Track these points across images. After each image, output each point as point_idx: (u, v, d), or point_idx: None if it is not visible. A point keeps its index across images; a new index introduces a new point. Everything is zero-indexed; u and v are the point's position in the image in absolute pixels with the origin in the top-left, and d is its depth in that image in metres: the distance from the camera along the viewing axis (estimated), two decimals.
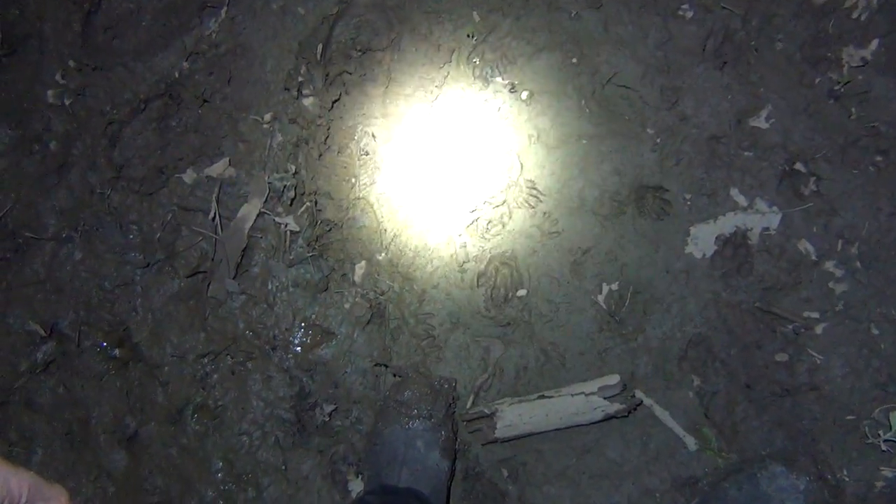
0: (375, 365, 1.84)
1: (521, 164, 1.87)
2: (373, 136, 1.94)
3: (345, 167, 1.95)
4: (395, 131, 1.93)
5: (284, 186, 1.88)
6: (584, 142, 1.89)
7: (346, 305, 1.93)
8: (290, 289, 1.90)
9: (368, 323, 1.90)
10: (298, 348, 1.89)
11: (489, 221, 1.87)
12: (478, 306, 1.86)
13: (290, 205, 1.89)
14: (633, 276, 1.82)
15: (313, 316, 1.91)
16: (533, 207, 1.86)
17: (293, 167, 1.92)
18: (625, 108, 1.94)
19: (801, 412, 1.70)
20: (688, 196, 1.85)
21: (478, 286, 1.94)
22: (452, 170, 1.92)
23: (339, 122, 1.97)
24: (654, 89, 1.88)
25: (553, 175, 1.88)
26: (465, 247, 1.88)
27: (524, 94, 1.92)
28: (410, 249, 1.90)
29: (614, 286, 1.82)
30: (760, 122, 1.84)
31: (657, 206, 1.85)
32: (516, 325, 1.84)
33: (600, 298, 1.83)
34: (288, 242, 1.89)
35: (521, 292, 1.91)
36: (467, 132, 1.89)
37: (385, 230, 1.91)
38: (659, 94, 1.87)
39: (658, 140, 1.85)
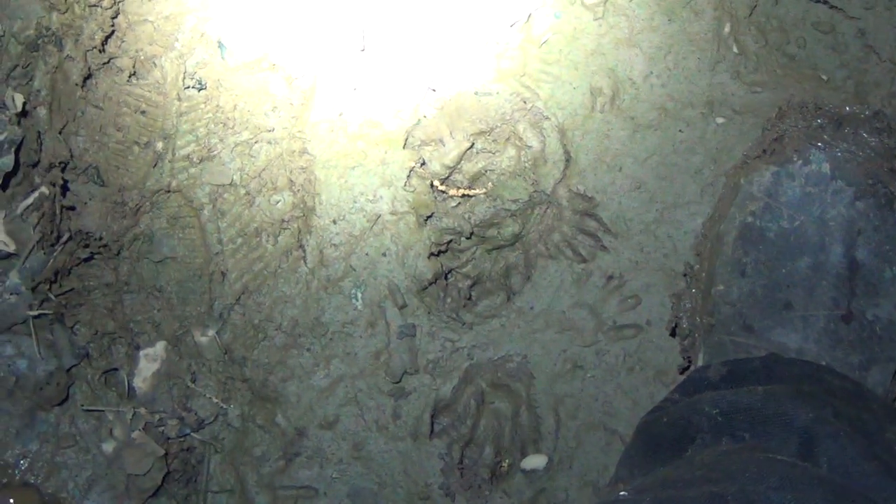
0: None
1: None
2: (219, 42, 1.18)
3: (142, 112, 1.21)
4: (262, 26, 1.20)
5: None
6: None
7: (107, 447, 1.17)
8: None
9: (155, 495, 1.16)
10: None
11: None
12: (428, 485, 1.13)
13: (2, 188, 1.24)
14: None
15: (22, 464, 1.16)
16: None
17: (19, 100, 1.17)
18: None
19: None
20: None
21: (431, 437, 1.13)
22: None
23: (142, 5, 1.22)
24: None
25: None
26: (408, 335, 1.15)
27: None
28: (281, 317, 1.19)
29: None
30: None
31: None
32: None
33: None
34: None
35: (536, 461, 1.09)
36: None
37: (224, 272, 1.18)
38: None
39: None
